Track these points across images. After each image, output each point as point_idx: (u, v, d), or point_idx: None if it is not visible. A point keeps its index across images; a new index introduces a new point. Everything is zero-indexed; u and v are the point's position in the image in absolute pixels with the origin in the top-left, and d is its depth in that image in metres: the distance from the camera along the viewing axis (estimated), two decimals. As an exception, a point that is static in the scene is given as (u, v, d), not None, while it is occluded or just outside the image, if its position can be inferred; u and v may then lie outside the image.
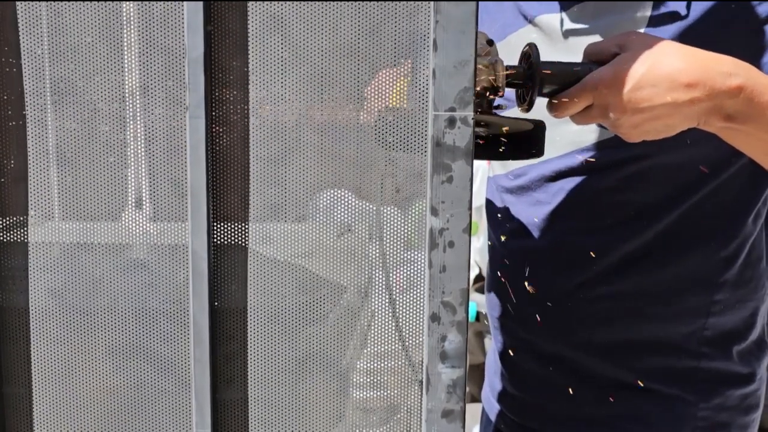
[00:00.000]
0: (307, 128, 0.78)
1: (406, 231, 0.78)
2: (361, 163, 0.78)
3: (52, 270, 0.81)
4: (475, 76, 0.72)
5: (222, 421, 0.81)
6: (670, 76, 0.88)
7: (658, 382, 1.15)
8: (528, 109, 0.95)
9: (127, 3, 0.77)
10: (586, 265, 1.15)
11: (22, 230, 0.81)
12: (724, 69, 0.89)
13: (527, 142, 0.98)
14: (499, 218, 1.28)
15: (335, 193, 0.79)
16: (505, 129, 0.96)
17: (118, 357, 0.81)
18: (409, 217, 0.78)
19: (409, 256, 0.78)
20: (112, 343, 0.81)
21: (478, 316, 3.33)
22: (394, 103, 0.77)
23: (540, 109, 0.96)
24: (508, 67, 0.91)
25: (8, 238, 0.81)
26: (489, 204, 1.32)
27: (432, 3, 0.72)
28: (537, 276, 1.20)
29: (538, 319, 1.21)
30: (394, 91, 0.76)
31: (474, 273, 3.46)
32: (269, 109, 0.77)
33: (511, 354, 1.28)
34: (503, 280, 1.26)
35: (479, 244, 3.42)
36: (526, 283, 1.22)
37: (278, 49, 0.76)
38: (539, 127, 0.96)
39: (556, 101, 0.93)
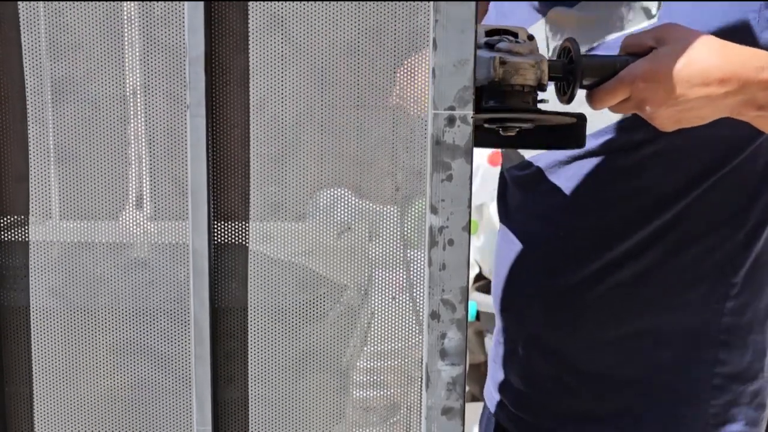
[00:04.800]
0: (308, 127, 0.78)
1: (405, 229, 0.78)
2: (361, 161, 0.78)
3: (52, 269, 0.81)
4: (474, 75, 0.73)
5: (222, 419, 0.81)
6: (706, 71, 0.91)
7: (668, 376, 1.15)
8: (569, 101, 0.98)
9: (128, 1, 0.77)
10: (599, 252, 1.15)
11: (22, 229, 0.81)
12: (756, 63, 0.93)
13: (570, 133, 1.02)
14: (509, 210, 1.29)
15: (335, 192, 0.79)
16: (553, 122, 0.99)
17: (118, 355, 0.82)
18: (409, 215, 0.78)
19: (408, 255, 0.79)
20: (112, 342, 0.82)
21: (479, 315, 3.33)
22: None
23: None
24: (549, 62, 0.94)
25: (8, 237, 0.81)
26: (500, 197, 1.33)
27: (431, 2, 0.72)
28: (546, 266, 1.21)
29: (546, 312, 1.21)
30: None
31: (474, 272, 3.45)
32: (269, 107, 0.78)
33: (515, 347, 1.28)
34: (510, 272, 1.27)
35: (479, 243, 3.41)
36: (534, 274, 1.22)
37: (278, 48, 0.77)
38: (581, 119, 1.00)
39: (594, 93, 0.97)
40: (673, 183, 1.11)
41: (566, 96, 0.98)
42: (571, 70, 0.96)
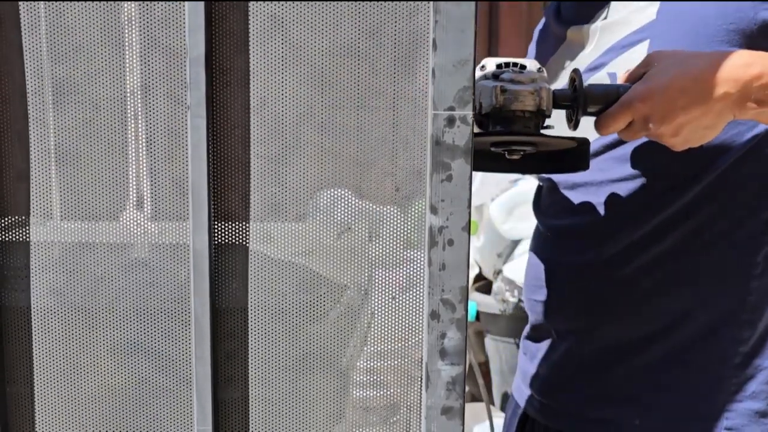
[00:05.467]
0: (308, 127, 0.78)
1: (405, 229, 0.79)
2: (361, 162, 0.78)
3: (53, 269, 0.81)
4: (474, 75, 0.73)
5: (223, 419, 0.81)
6: (696, 78, 0.98)
7: (693, 355, 1.15)
8: (575, 128, 1.05)
9: (129, 2, 0.77)
10: (625, 235, 1.17)
11: (23, 230, 0.81)
12: (741, 61, 0.98)
13: (573, 157, 1.09)
14: (541, 211, 1.34)
15: (335, 193, 0.79)
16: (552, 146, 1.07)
17: (119, 355, 0.82)
18: (409, 215, 0.78)
19: (408, 255, 0.79)
20: (113, 342, 0.82)
21: (479, 315, 3.33)
22: None
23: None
24: (556, 92, 1.02)
25: (9, 238, 0.81)
26: (535, 203, 1.38)
27: (431, 3, 0.72)
28: (573, 250, 1.23)
29: (573, 294, 1.23)
30: None
31: (474, 272, 3.46)
32: (270, 107, 0.78)
33: (543, 336, 1.30)
34: (539, 262, 1.30)
35: (479, 243, 3.42)
36: (561, 258, 1.25)
37: (279, 49, 0.77)
38: (583, 144, 1.07)
39: (599, 120, 1.03)
40: (695, 161, 1.12)
41: (572, 123, 1.05)
42: (575, 98, 1.03)
